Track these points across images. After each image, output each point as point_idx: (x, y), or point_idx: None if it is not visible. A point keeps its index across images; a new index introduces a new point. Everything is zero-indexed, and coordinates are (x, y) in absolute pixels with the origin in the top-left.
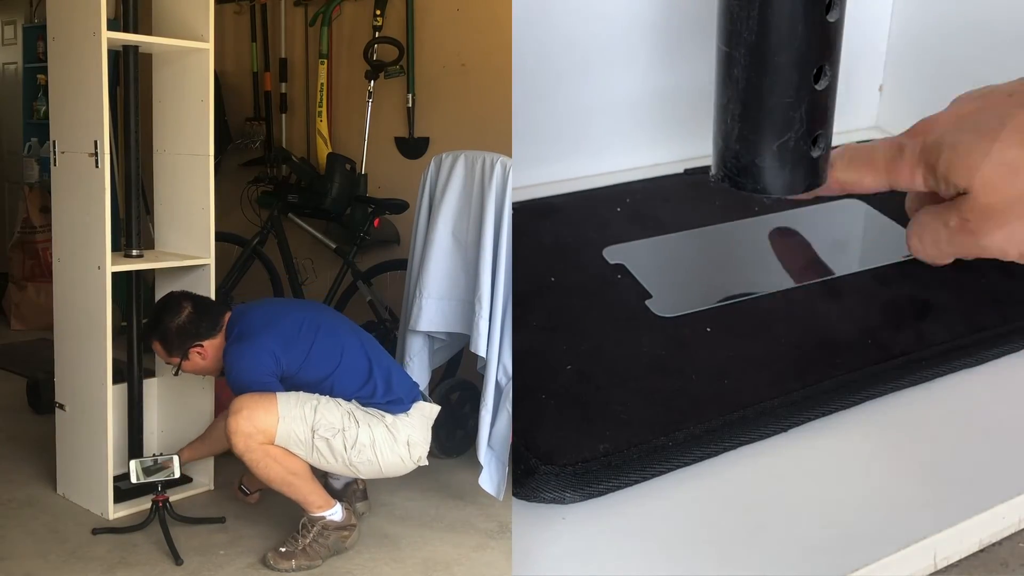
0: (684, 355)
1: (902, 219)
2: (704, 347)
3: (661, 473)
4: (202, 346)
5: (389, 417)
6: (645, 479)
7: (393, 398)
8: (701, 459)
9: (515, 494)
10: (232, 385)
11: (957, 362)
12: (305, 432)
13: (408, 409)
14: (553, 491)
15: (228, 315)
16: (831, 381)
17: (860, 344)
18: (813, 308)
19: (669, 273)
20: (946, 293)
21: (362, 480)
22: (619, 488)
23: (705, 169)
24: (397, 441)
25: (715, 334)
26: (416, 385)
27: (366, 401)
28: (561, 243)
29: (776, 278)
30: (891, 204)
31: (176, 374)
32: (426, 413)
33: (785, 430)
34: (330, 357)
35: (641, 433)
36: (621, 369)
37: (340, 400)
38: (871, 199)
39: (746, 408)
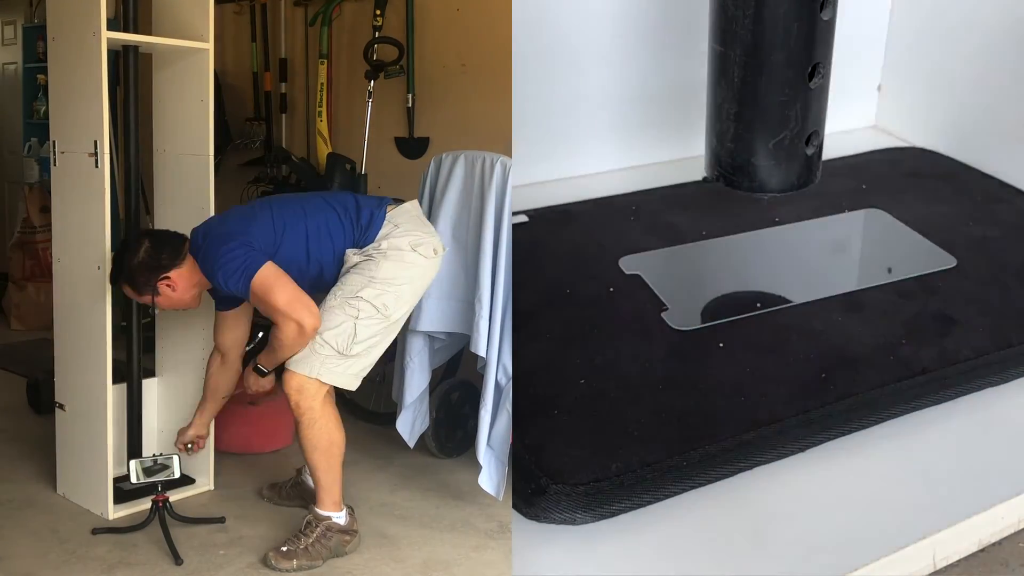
0: (700, 370)
1: (926, 230)
2: (720, 362)
3: (675, 494)
4: (169, 277)
5: (383, 243)
6: (658, 499)
7: (366, 220)
8: (716, 480)
9: (524, 514)
10: (226, 286)
11: (982, 380)
12: (346, 340)
13: (383, 216)
14: (564, 512)
15: (188, 243)
16: (851, 399)
17: (881, 361)
18: (833, 322)
19: (686, 284)
20: (971, 308)
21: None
22: (631, 509)
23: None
24: (403, 259)
25: (732, 348)
26: (381, 201)
27: (359, 243)
28: (577, 252)
29: (795, 290)
30: (914, 214)
31: (154, 312)
32: (408, 210)
33: (803, 450)
34: (295, 219)
35: (655, 452)
36: (635, 384)
37: (332, 299)
38: (897, 211)
39: (762, 427)
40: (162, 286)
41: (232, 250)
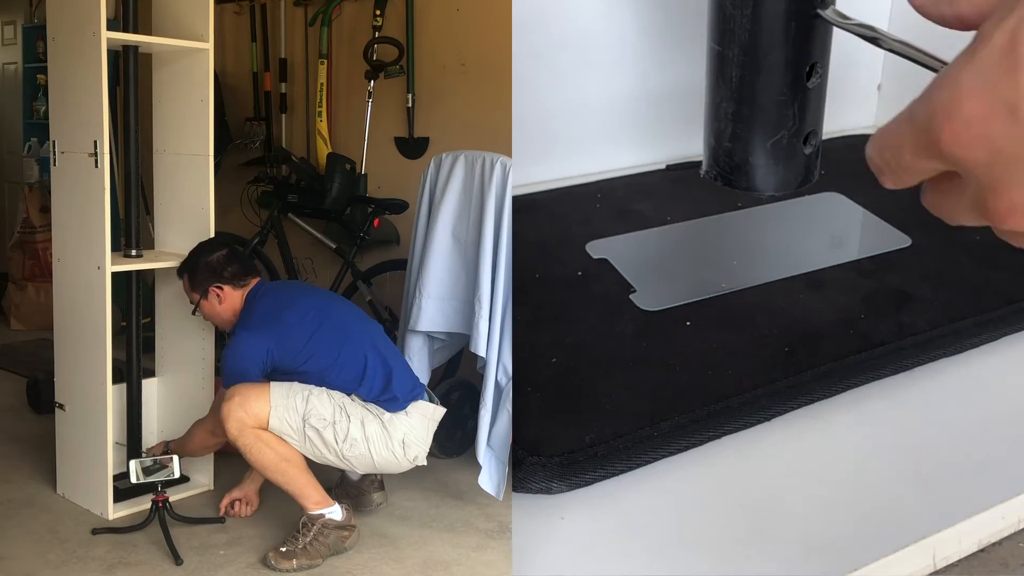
0: (668, 347)
1: (882, 212)
2: (688, 339)
3: (647, 463)
4: (222, 289)
5: (387, 415)
6: (631, 469)
7: (389, 396)
8: (686, 448)
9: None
10: (223, 364)
11: (937, 351)
12: (296, 421)
13: (405, 408)
14: (540, 481)
15: (255, 281)
16: (813, 371)
17: (842, 335)
18: (795, 300)
19: (652, 267)
20: (925, 284)
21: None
22: (605, 478)
23: (686, 165)
24: (392, 439)
25: (699, 326)
26: (419, 384)
27: (364, 397)
28: (544, 239)
29: (759, 271)
30: (871, 198)
31: (194, 313)
32: (427, 413)
33: (769, 419)
34: (328, 351)
35: (626, 423)
36: (606, 361)
37: (334, 393)
38: (855, 194)
39: (730, 398)
40: (212, 292)
41: (246, 340)
